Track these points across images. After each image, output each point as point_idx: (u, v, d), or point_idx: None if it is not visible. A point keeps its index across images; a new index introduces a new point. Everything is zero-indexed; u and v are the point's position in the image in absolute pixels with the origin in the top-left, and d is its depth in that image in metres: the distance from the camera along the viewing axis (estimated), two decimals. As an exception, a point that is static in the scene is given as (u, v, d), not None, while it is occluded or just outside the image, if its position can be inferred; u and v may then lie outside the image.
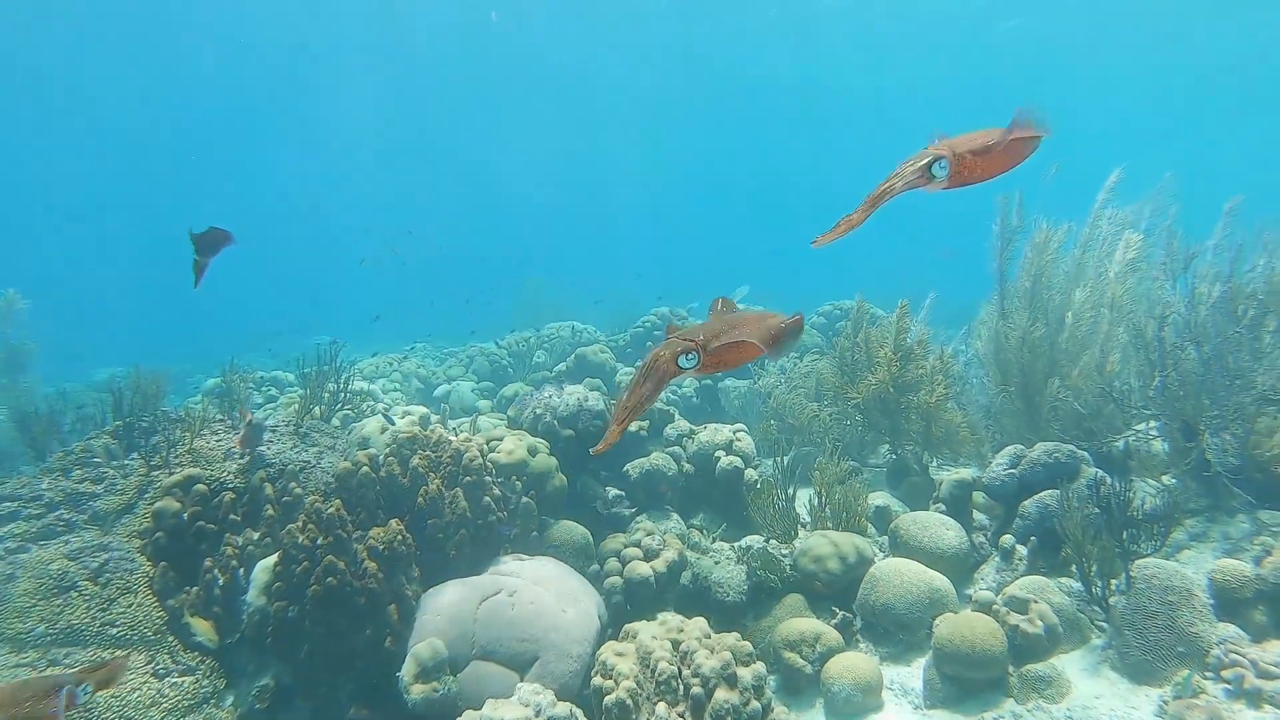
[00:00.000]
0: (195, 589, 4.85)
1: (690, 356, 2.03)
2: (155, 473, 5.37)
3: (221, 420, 5.98)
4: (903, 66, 35.57)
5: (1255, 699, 3.85)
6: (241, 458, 5.55)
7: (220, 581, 4.90)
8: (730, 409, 9.32)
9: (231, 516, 5.16)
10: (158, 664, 4.50)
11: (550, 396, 6.40)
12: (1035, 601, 4.50)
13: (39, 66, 28.95)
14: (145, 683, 4.37)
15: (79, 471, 5.35)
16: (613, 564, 5.30)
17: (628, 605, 5.19)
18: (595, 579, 5.32)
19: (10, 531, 4.94)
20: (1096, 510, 4.64)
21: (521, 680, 4.31)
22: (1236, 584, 4.35)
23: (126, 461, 5.53)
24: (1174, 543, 5.06)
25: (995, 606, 4.57)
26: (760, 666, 3.54)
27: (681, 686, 3.38)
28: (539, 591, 4.78)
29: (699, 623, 3.76)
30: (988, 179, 2.29)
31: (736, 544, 6.10)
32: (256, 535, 5.12)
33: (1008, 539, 5.16)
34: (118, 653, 4.46)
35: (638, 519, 6.44)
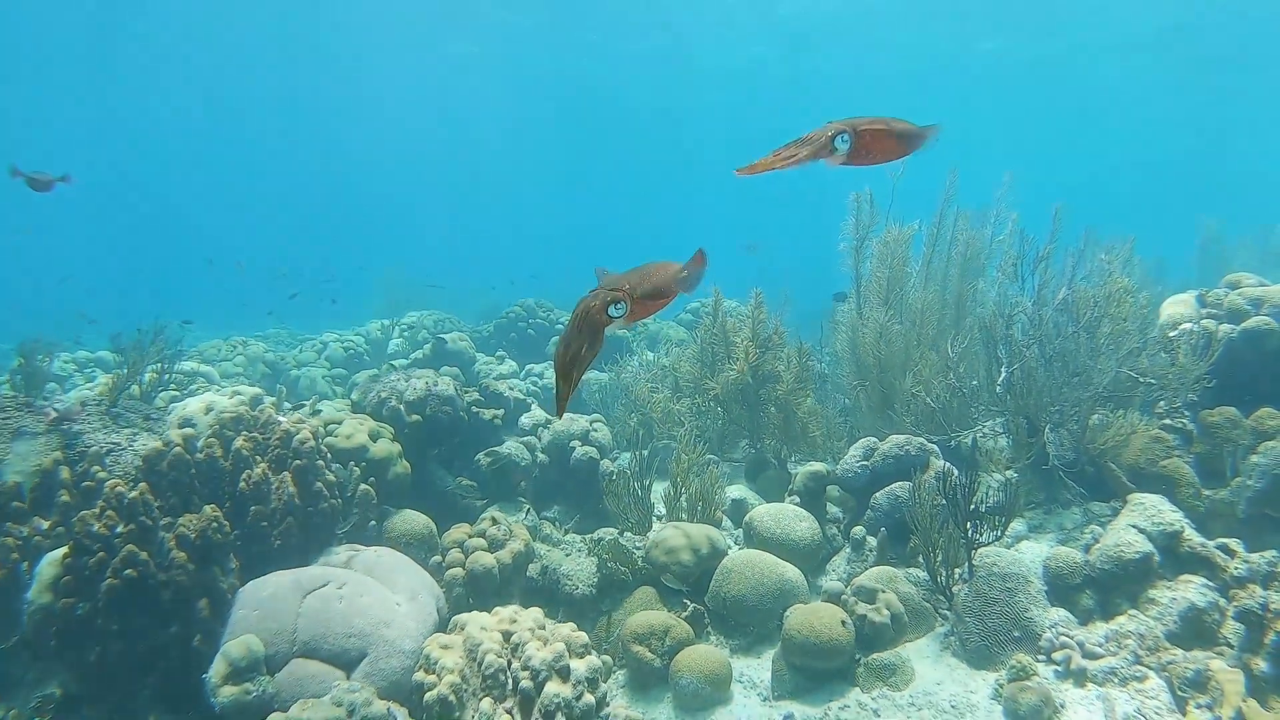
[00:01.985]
0: (-33, 584, 4.25)
1: (619, 305, 2.02)
2: (-75, 452, 4.69)
3: (16, 396, 5.31)
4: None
5: (1080, 678, 4.05)
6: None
7: (-1, 576, 4.32)
8: (590, 401, 9.16)
9: (15, 504, 4.56)
10: (-89, 670, 3.90)
11: (397, 380, 6.04)
12: (883, 591, 4.55)
13: None
14: (-110, 692, 3.78)
15: None
16: (455, 555, 5.02)
17: (470, 598, 4.92)
18: (437, 571, 5.02)
19: None
20: (943, 501, 4.74)
21: (348, 679, 3.99)
22: (1068, 570, 4.55)
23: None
24: (1014, 533, 5.25)
25: (844, 596, 4.59)
26: (595, 659, 3.37)
27: (511, 680, 3.16)
28: (371, 584, 4.45)
29: (534, 613, 3.55)
30: (880, 162, 2.39)
31: (589, 536, 5.94)
32: (47, 525, 4.55)
33: (859, 530, 5.22)
34: None
35: (488, 510, 6.19)
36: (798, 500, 5.78)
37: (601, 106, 38.58)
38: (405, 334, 11.62)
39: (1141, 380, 5.67)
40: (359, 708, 3.12)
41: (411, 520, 5.25)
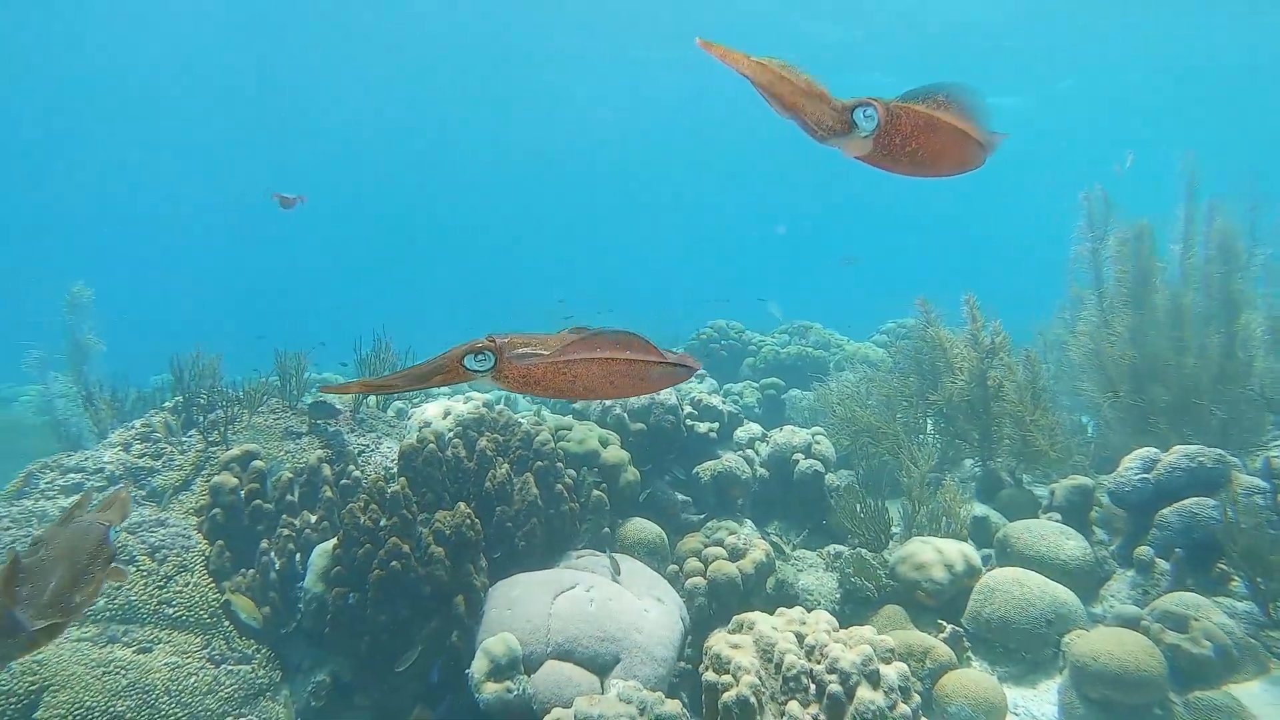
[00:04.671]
0: (251, 571, 4.55)
1: (481, 358, 1.69)
2: (213, 449, 5.11)
3: (280, 400, 5.72)
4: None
5: None
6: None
7: (276, 565, 4.60)
8: (798, 419, 8.87)
9: (288, 497, 4.86)
10: (214, 649, 4.19)
11: (621, 388, 6.02)
12: (1196, 619, 3.96)
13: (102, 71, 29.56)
14: (201, 668, 4.06)
15: (139, 446, 5.12)
16: (694, 564, 4.88)
17: (711, 608, 4.76)
18: (674, 580, 4.90)
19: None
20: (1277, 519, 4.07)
21: (603, 684, 3.92)
22: None
23: (184, 438, 5.28)
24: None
25: (1144, 623, 4.05)
26: (904, 665, 3.09)
27: (814, 684, 2.94)
28: (618, 589, 4.39)
29: (823, 615, 3.32)
30: (918, 167, 1.77)
31: (822, 551, 5.65)
32: (314, 518, 4.81)
33: (1144, 550, 4.62)
34: (174, 632, 4.17)
35: (707, 525, 6.03)
36: (1057, 517, 5.24)
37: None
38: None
39: None
40: (650, 706, 3.01)
41: (644, 528, 5.17)
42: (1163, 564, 4.54)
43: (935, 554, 4.85)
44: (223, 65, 29.52)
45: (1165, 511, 4.64)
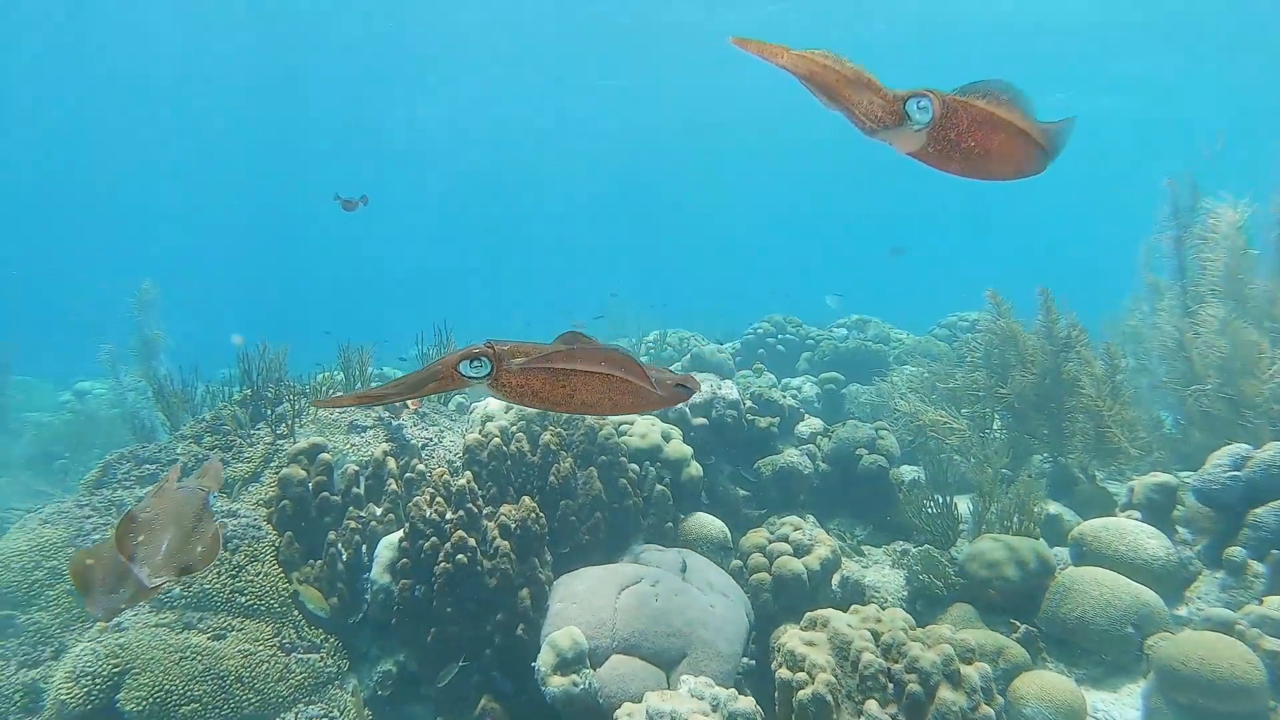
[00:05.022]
0: (319, 562, 4.61)
1: (478, 364, 1.62)
2: (280, 441, 5.19)
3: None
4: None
5: None
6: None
7: (344, 556, 4.65)
8: (859, 413, 8.71)
9: (355, 490, 4.91)
10: (284, 638, 4.25)
11: (683, 382, 5.96)
12: (1300, 626, 3.76)
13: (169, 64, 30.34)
14: (273, 655, 4.12)
15: (209, 438, 5.23)
16: (758, 559, 4.81)
17: (776, 605, 4.69)
18: (737, 575, 4.83)
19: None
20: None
21: (669, 679, 3.87)
22: None
23: (253, 431, 5.38)
24: None
25: (1239, 627, 3.85)
26: (986, 666, 2.99)
27: (891, 683, 2.85)
28: (683, 583, 4.33)
29: (899, 612, 3.23)
30: (972, 167, 1.65)
31: (888, 547, 5.53)
32: (379, 511, 4.85)
33: (1235, 551, 4.40)
34: (246, 620, 4.24)
35: (768, 520, 5.95)
36: (1137, 515, 5.04)
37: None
38: (650, 350, 11.78)
39: None
40: (724, 703, 2.95)
41: (707, 523, 5.11)
42: (1256, 566, 4.31)
43: (1007, 551, 4.69)
44: (285, 64, 30.16)
45: (1260, 511, 4.40)
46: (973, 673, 2.86)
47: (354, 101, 34.58)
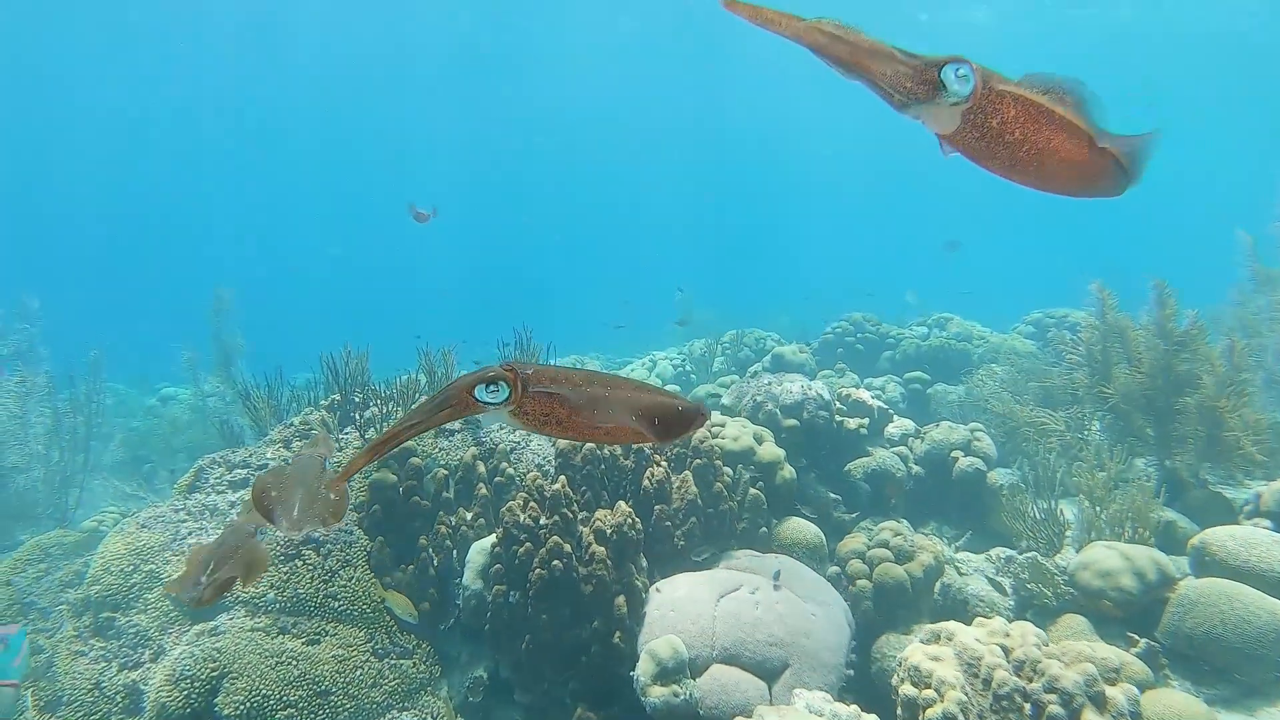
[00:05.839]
0: (410, 566, 4.58)
1: (495, 388, 1.46)
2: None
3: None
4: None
5: None
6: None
7: (434, 561, 4.61)
8: (946, 413, 8.39)
9: (444, 494, 4.87)
10: (376, 643, 4.23)
11: (770, 384, 5.79)
12: None
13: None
14: (366, 661, 4.10)
15: (298, 443, 5.25)
16: (857, 565, 4.62)
17: (877, 613, 4.49)
18: (834, 582, 4.65)
19: (242, 498, 4.86)
20: None
21: (770, 690, 3.72)
22: None
23: (341, 435, 5.39)
24: None
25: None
26: (1132, 688, 2.77)
27: (1028, 704, 2.65)
28: (783, 591, 4.17)
29: (1029, 627, 3.01)
30: (1020, 167, 1.38)
31: (990, 554, 5.27)
32: (470, 515, 4.80)
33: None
34: (339, 625, 4.22)
35: (861, 525, 5.74)
36: (1267, 524, 4.70)
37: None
38: (726, 351, 11.58)
39: None
40: (849, 721, 2.79)
41: (802, 528, 4.93)
42: None
43: (1122, 560, 4.41)
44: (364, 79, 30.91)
45: None
46: (1118, 694, 2.65)
47: (428, 104, 35.25)
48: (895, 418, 6.69)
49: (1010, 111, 1.33)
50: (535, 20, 26.98)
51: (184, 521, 4.90)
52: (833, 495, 5.87)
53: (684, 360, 12.14)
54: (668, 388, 11.14)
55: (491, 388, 1.47)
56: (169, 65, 28.83)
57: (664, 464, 4.60)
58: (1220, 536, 4.58)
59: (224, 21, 25.79)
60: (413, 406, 1.68)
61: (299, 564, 4.34)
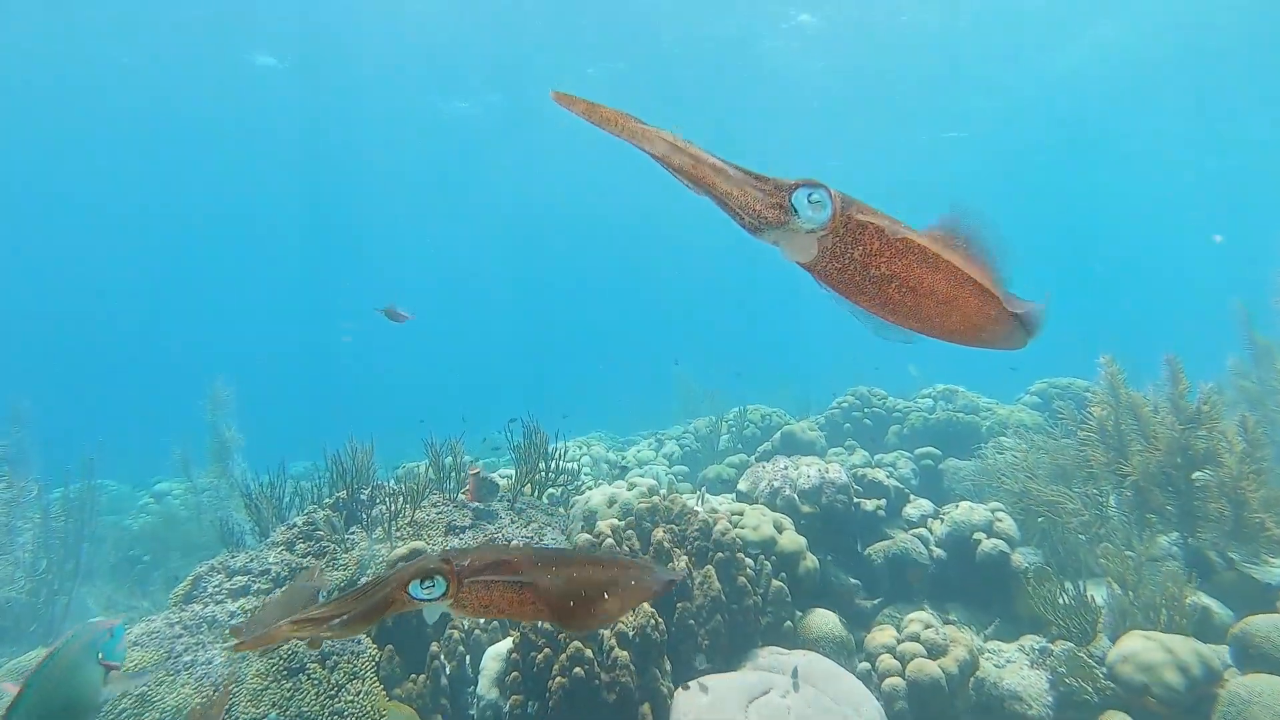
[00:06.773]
0: (421, 676, 4.36)
1: (432, 583, 1.43)
2: (377, 546, 5.01)
3: (439, 493, 5.62)
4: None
5: None
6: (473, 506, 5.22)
7: (447, 670, 4.40)
8: (960, 490, 8.24)
9: (456, 596, 4.67)
10: (389, 763, 3.98)
11: (786, 468, 5.67)
12: None
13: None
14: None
15: (302, 545, 5.08)
16: (888, 661, 4.42)
17: (912, 712, 4.28)
18: (864, 679, 4.44)
19: (242, 607, 4.65)
20: None
21: (811, 806, 3.50)
22: None
23: (347, 535, 5.21)
24: None
25: None
26: None
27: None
28: (813, 693, 3.97)
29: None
30: (892, 306, 1.27)
31: (1021, 644, 5.07)
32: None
33: None
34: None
35: (884, 611, 5.55)
36: (1306, 609, 4.54)
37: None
38: (731, 428, 11.47)
39: None
40: None
41: (827, 620, 4.75)
42: None
43: (1164, 653, 4.24)
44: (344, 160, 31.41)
45: None
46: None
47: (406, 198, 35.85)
48: (912, 497, 6.56)
49: (873, 244, 1.22)
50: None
51: (179, 637, 4.66)
52: (853, 580, 5.70)
53: (690, 438, 12.02)
54: (674, 469, 11.03)
55: (428, 584, 1.44)
56: (152, 160, 29.17)
57: (686, 558, 4.44)
58: (1264, 628, 4.43)
59: (209, 112, 26.21)
60: (345, 593, 1.59)
61: (303, 679, 4.12)
